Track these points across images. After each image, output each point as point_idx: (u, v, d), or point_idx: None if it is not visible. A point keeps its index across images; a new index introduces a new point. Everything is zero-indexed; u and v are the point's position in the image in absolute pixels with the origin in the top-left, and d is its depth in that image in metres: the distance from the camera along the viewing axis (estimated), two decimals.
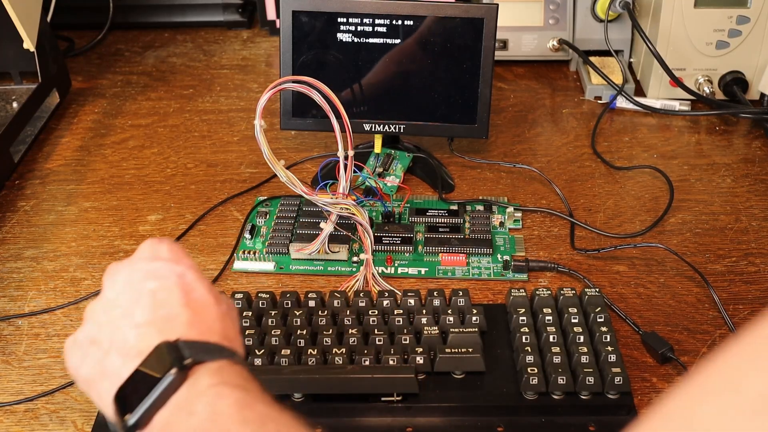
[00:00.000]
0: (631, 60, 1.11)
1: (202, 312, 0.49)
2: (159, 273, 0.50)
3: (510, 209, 0.82)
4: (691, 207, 0.85)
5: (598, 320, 0.66)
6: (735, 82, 0.99)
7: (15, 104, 1.02)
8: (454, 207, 0.84)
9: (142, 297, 0.49)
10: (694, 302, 0.73)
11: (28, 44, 0.96)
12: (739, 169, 0.91)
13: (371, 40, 0.82)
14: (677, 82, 0.98)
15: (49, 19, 1.09)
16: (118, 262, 0.52)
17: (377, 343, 0.65)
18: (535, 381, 0.61)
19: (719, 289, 0.73)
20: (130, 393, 0.45)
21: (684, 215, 0.84)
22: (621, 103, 1.02)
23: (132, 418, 0.44)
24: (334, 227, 0.75)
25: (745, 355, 0.29)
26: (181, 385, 0.44)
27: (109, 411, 0.46)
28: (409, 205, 0.85)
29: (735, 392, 0.28)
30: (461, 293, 0.69)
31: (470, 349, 0.63)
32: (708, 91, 0.99)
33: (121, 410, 0.45)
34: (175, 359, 0.44)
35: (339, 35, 0.82)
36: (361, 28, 0.82)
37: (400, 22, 0.81)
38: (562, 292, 0.68)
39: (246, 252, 0.79)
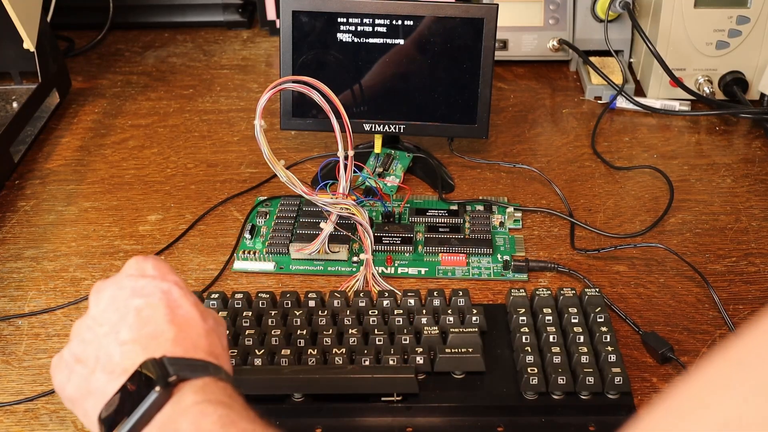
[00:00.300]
0: (631, 60, 1.11)
1: (188, 328, 0.49)
2: (144, 290, 0.50)
3: (510, 209, 0.82)
4: (691, 207, 0.85)
5: (598, 320, 0.66)
6: (735, 82, 0.99)
7: (15, 104, 1.02)
8: (454, 207, 0.84)
9: (128, 314, 0.49)
10: (694, 302, 0.73)
11: (28, 44, 0.96)
12: (739, 169, 0.91)
13: (371, 40, 0.82)
14: (677, 82, 0.98)
15: (49, 19, 1.09)
16: (103, 279, 0.52)
17: (377, 343, 0.65)
18: (535, 381, 0.61)
19: (719, 289, 0.73)
20: (116, 411, 0.45)
21: (684, 215, 0.84)
22: (621, 103, 1.02)
23: None
24: (334, 227, 0.75)
25: (715, 376, 0.29)
26: (165, 403, 0.44)
27: (95, 429, 0.46)
28: (409, 205, 0.85)
29: (703, 415, 0.28)
30: (461, 293, 0.69)
31: (470, 349, 0.63)
32: (708, 91, 0.99)
33: (107, 428, 0.45)
34: (159, 377, 0.44)
35: (339, 35, 0.82)
36: (361, 28, 0.82)
37: (400, 22, 0.81)
38: (562, 292, 0.68)
39: (246, 252, 0.79)
